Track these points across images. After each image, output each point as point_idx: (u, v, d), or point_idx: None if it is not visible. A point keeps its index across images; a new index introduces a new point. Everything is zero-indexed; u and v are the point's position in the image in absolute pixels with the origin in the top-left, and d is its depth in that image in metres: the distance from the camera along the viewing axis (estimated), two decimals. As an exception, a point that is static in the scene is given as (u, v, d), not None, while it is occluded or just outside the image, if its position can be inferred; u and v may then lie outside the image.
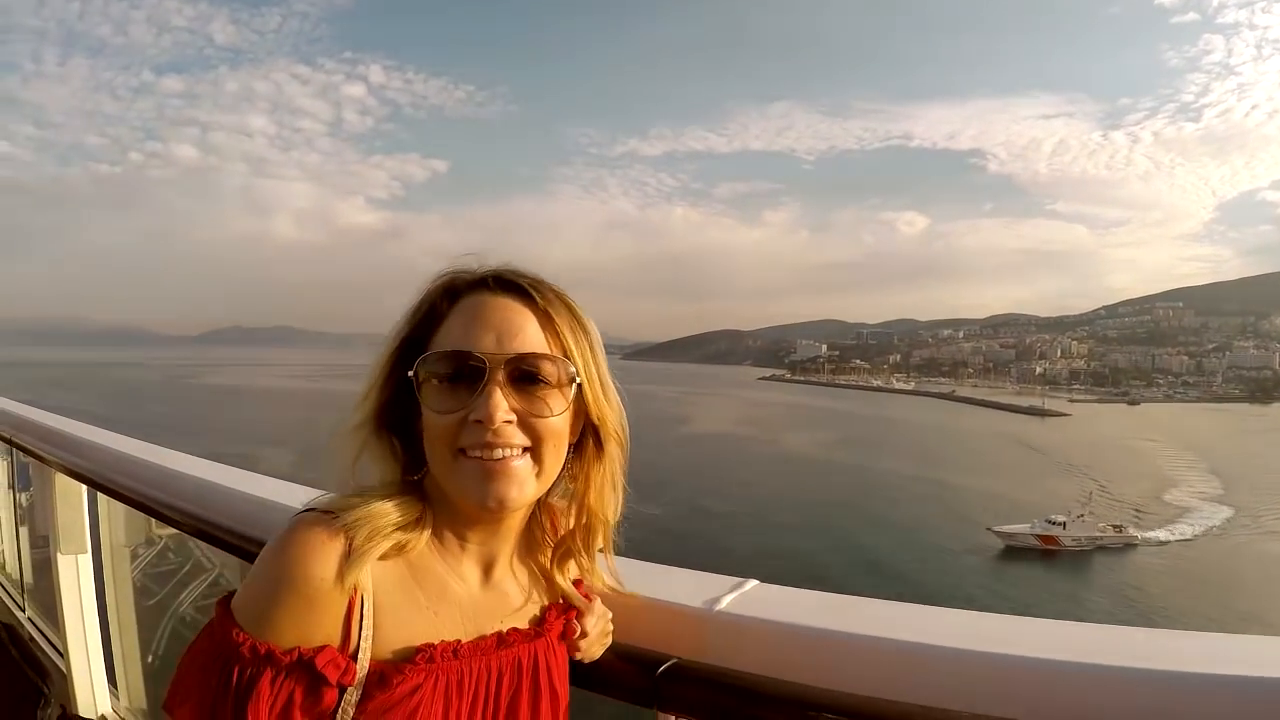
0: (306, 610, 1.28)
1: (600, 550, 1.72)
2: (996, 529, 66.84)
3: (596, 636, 1.64)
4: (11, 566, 6.00)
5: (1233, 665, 1.26)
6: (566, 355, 1.48)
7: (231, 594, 1.34)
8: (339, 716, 1.29)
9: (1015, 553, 64.99)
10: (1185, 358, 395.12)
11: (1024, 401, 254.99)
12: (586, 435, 1.57)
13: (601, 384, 1.54)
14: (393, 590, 1.39)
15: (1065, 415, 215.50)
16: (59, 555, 4.49)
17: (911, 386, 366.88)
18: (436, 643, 1.38)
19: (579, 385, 1.49)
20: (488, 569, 1.54)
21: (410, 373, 1.43)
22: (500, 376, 1.40)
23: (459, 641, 1.42)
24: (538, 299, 1.49)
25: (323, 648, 1.28)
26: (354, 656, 1.31)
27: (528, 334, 1.45)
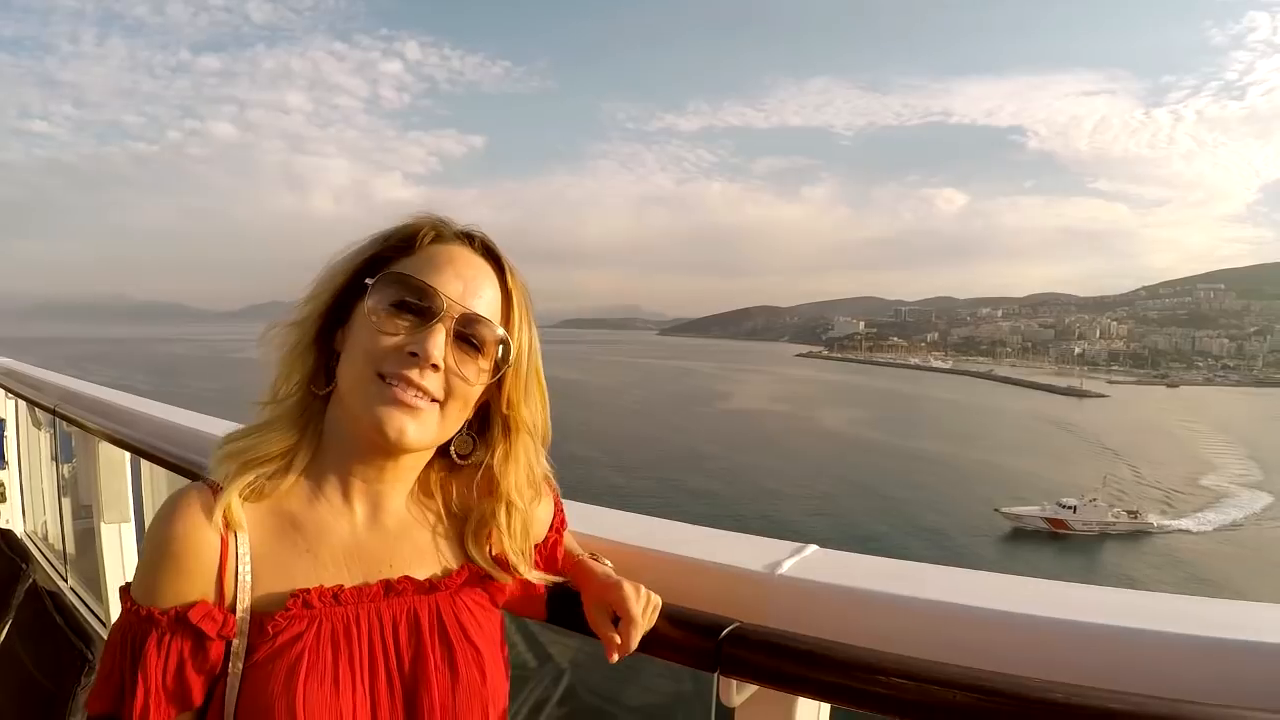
0: (178, 569, 1.30)
1: (593, 557, 1.76)
2: (1005, 510, 66.13)
3: (644, 622, 1.59)
4: (54, 537, 6.07)
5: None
6: (510, 337, 1.49)
7: None
8: (230, 669, 1.31)
9: (1024, 535, 64.33)
10: (1226, 340, 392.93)
11: (1062, 382, 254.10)
12: (495, 420, 1.58)
13: (526, 378, 1.56)
14: (270, 535, 1.40)
15: (1104, 397, 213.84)
16: (102, 524, 4.53)
17: (949, 365, 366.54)
18: (313, 587, 1.37)
19: (504, 371, 1.50)
20: (375, 510, 1.50)
21: (369, 280, 1.42)
22: (450, 324, 1.41)
23: (340, 586, 1.39)
24: (508, 278, 1.52)
25: (197, 602, 1.30)
26: (234, 609, 1.32)
27: (488, 300, 1.46)
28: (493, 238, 1.52)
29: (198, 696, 1.31)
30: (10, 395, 6.31)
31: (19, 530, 6.09)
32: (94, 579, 5.04)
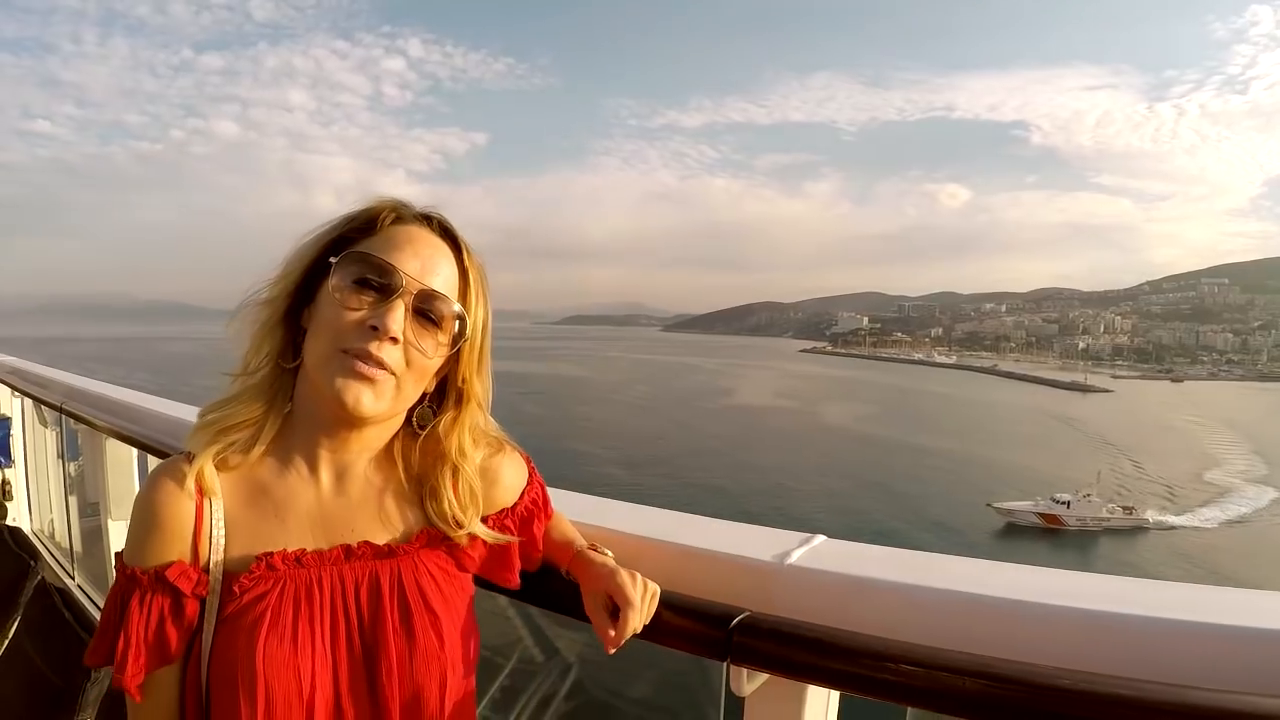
0: (158, 532, 1.43)
1: (591, 549, 1.78)
2: (998, 505, 65.33)
3: (642, 609, 1.61)
4: (61, 535, 6.08)
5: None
6: (466, 313, 1.56)
7: None
8: (205, 626, 1.43)
9: (1017, 530, 63.64)
10: (1230, 335, 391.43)
11: (1066, 377, 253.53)
12: (450, 391, 1.65)
13: (480, 353, 1.64)
14: (242, 502, 1.51)
15: (1108, 392, 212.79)
16: (110, 521, 4.54)
17: (953, 360, 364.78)
18: (276, 551, 1.46)
19: (461, 345, 1.57)
20: (340, 478, 1.58)
21: (333, 259, 1.49)
22: (408, 300, 1.48)
23: (303, 550, 1.49)
24: (464, 257, 1.59)
25: (174, 563, 1.42)
26: (207, 569, 1.44)
27: (445, 278, 1.54)
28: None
29: (176, 650, 1.43)
30: (16, 394, 6.32)
31: (25, 529, 6.10)
32: (101, 576, 5.05)
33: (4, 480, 6.32)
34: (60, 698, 2.64)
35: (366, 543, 1.53)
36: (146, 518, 1.45)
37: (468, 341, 1.58)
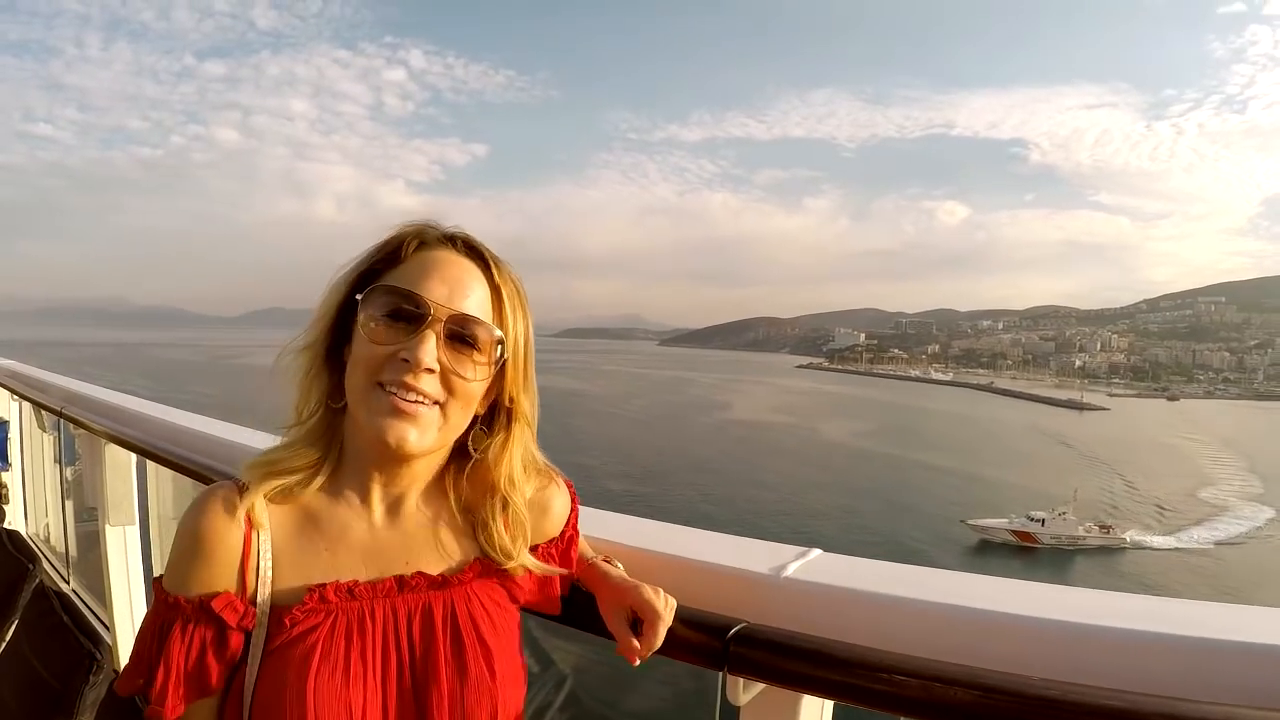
0: (204, 561, 1.41)
1: (605, 559, 1.80)
2: (972, 522, 64.56)
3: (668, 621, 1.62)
4: (57, 540, 6.08)
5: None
6: (502, 331, 1.54)
7: None
8: (249, 659, 1.40)
9: (990, 547, 62.82)
10: (1227, 353, 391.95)
11: (1062, 394, 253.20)
12: (499, 412, 1.63)
13: (525, 369, 1.62)
14: (292, 534, 1.49)
15: (1103, 410, 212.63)
16: (107, 527, 4.53)
17: (950, 377, 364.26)
18: (329, 583, 1.44)
19: (504, 362, 1.55)
20: (393, 510, 1.57)
21: (359, 296, 1.48)
22: (439, 327, 1.46)
23: (355, 581, 1.46)
24: (495, 273, 1.56)
25: (219, 593, 1.40)
26: (254, 601, 1.42)
27: (476, 299, 1.51)
28: (487, 241, 1.56)
29: (216, 683, 1.39)
30: (15, 397, 6.32)
31: (21, 533, 6.09)
32: (97, 582, 5.04)
33: (1, 484, 6.32)
34: (58, 701, 2.65)
35: (421, 573, 1.52)
36: (193, 545, 1.42)
37: (509, 359, 1.56)
